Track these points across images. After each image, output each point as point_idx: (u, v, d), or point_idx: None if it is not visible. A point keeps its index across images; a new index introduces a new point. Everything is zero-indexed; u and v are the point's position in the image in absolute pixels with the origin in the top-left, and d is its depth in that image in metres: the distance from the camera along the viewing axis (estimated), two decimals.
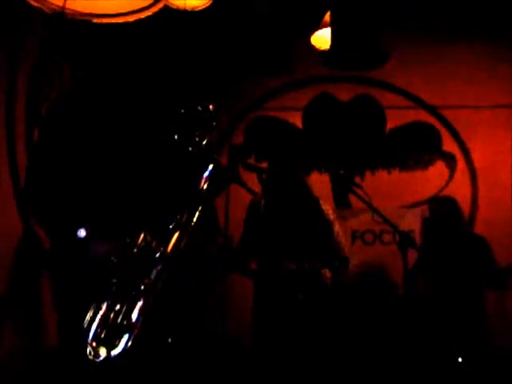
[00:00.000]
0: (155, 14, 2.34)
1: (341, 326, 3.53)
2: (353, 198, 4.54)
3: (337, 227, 3.58)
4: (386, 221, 3.19)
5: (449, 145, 4.91)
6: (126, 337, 1.96)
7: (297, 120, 5.09)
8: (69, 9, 2.19)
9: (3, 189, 3.42)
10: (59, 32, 2.82)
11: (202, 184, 2.08)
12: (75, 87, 3.08)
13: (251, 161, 4.93)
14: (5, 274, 3.31)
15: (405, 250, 3.17)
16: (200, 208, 2.06)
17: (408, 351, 3.52)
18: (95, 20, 2.27)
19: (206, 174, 2.08)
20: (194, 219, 2.05)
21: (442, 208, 4.22)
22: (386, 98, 5.00)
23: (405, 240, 3.18)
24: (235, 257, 3.67)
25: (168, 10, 3.00)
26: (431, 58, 4.95)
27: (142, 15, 2.28)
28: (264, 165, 4.65)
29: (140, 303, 1.99)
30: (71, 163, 2.48)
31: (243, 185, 2.61)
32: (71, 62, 3.40)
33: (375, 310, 4.48)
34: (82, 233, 2.20)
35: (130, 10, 2.27)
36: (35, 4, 2.19)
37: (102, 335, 1.99)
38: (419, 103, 4.97)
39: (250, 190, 2.92)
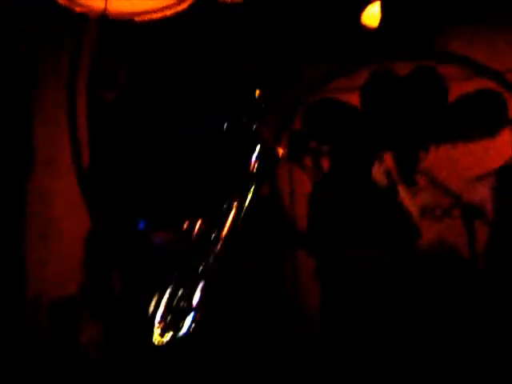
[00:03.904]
0: (193, 7, 2.41)
1: (415, 310, 3.42)
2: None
3: (402, 194, 3.41)
4: (451, 194, 3.14)
5: None
6: (189, 319, 2.04)
7: (355, 100, 5.03)
8: (110, 11, 2.30)
9: (73, 191, 3.56)
10: (108, 33, 2.95)
11: (252, 166, 2.13)
12: (129, 89, 3.21)
13: (313, 145, 4.92)
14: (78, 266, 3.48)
15: (472, 222, 3.11)
16: (252, 190, 2.11)
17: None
18: (137, 18, 2.36)
19: (255, 156, 2.12)
20: (247, 202, 2.11)
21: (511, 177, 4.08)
22: (446, 68, 4.85)
23: (470, 212, 3.12)
24: (301, 238, 3.67)
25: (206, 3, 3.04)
26: (492, 22, 4.77)
27: (180, 8, 2.35)
28: (325, 148, 4.63)
29: (201, 285, 2.06)
30: (130, 159, 2.59)
31: (304, 167, 2.64)
32: (128, 61, 3.52)
33: (450, 289, 4.35)
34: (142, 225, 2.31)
35: (167, 4, 2.35)
36: (79, 10, 2.31)
37: (168, 319, 2.08)
38: (481, 70, 4.79)
39: (312, 171, 2.94)
